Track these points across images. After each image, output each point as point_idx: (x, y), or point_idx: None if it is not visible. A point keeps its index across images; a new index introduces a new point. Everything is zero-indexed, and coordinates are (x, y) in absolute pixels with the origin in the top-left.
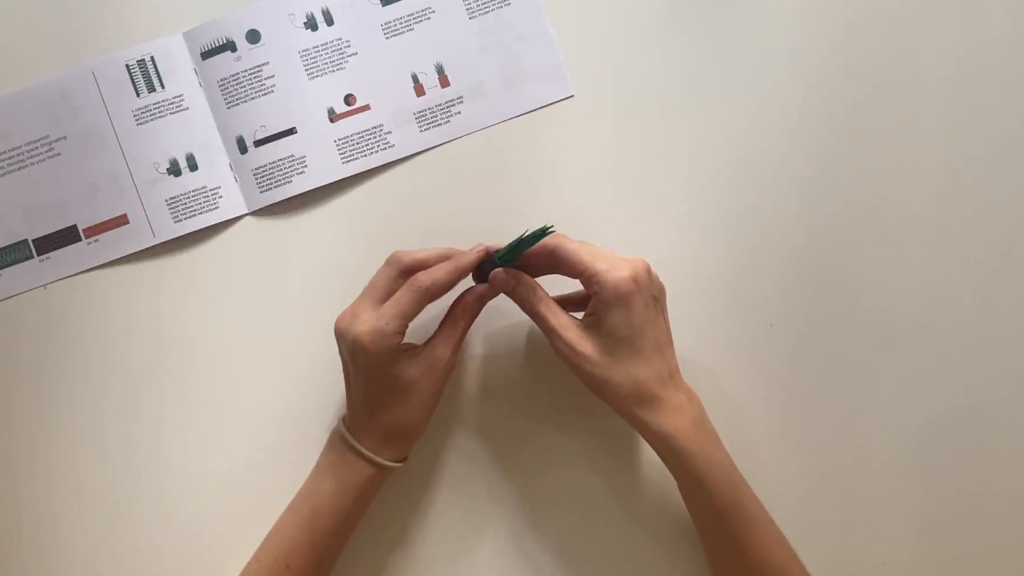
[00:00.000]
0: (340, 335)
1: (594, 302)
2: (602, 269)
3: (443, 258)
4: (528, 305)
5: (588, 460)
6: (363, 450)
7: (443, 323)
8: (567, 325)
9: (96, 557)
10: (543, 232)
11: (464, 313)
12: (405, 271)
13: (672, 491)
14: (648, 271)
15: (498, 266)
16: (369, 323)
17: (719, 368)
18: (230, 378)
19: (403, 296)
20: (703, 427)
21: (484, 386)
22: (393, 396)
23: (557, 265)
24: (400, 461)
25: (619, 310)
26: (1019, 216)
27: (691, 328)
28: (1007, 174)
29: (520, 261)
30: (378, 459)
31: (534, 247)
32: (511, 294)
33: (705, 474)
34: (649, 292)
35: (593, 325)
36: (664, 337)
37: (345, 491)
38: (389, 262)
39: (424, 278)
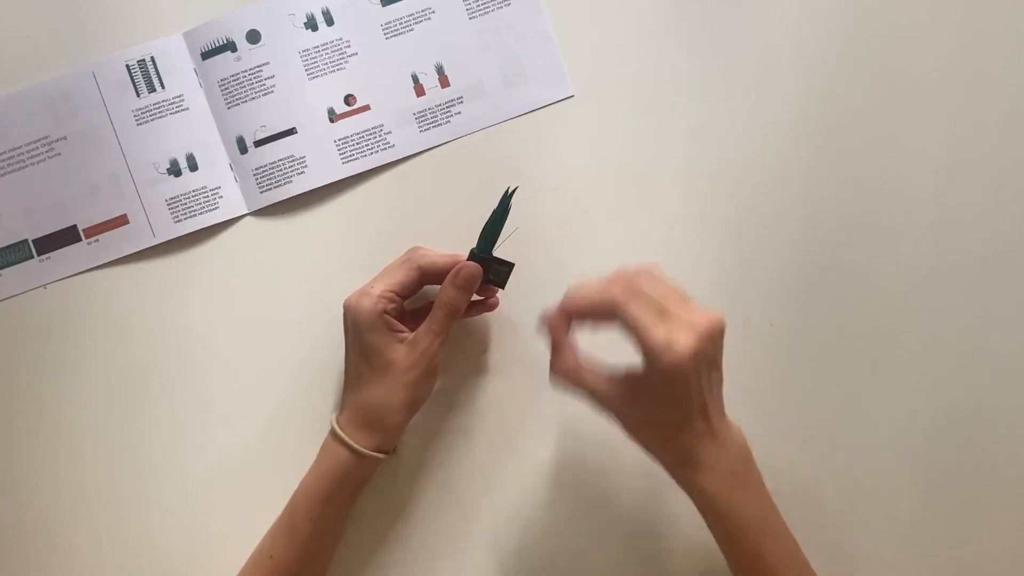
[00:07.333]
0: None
1: (647, 366)
2: (659, 343)
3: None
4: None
5: (598, 451)
6: (339, 431)
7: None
8: (601, 378)
9: (97, 556)
10: (507, 198)
11: (441, 299)
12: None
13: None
14: (716, 336)
15: (478, 259)
16: (360, 290)
17: None
18: (230, 378)
19: (396, 268)
20: (738, 474)
21: (483, 380)
22: (371, 370)
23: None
24: (382, 452)
25: (672, 389)
26: (1019, 215)
27: None
28: (1007, 173)
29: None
30: (351, 442)
31: (587, 299)
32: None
33: (734, 528)
34: (711, 359)
35: (637, 385)
36: (713, 394)
37: (320, 475)
38: (408, 257)
39: (420, 256)
